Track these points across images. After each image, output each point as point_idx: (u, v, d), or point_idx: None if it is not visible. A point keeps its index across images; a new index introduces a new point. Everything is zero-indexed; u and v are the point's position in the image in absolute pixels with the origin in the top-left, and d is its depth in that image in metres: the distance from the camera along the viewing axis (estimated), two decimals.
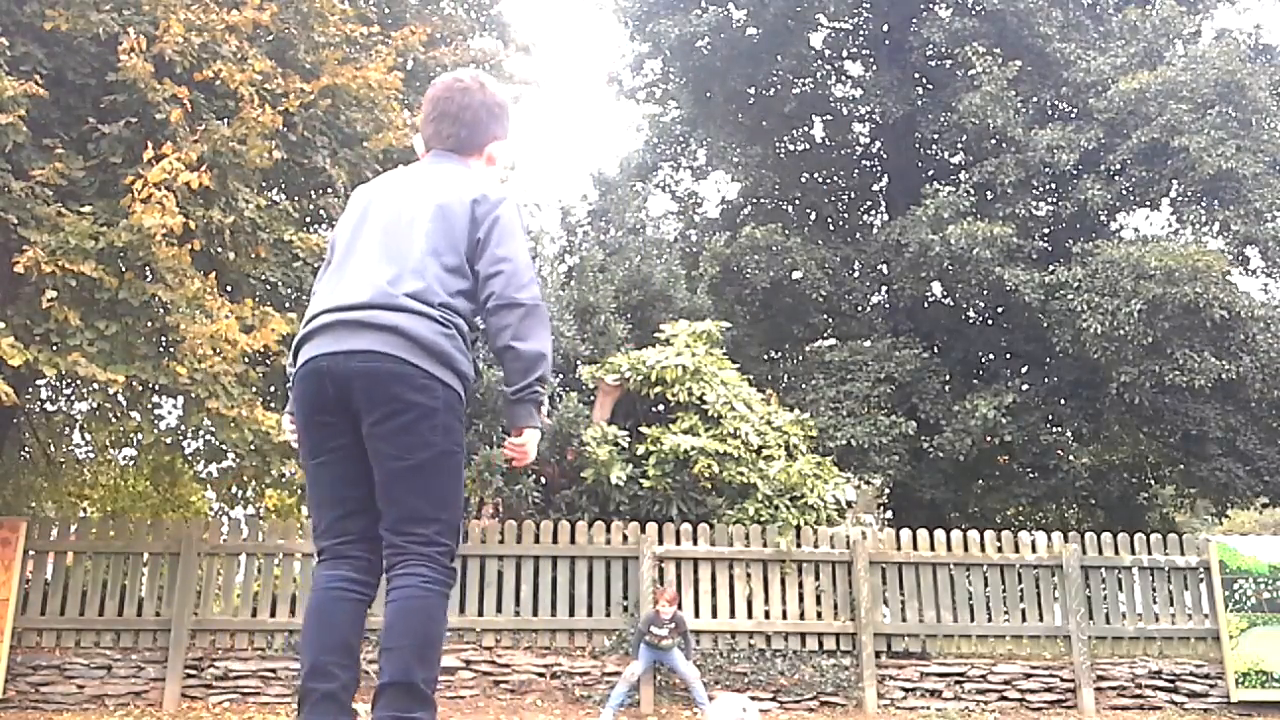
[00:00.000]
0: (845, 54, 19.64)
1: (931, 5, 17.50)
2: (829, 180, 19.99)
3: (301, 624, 2.50)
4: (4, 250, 7.63)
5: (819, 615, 9.30)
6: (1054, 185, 15.60)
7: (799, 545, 9.43)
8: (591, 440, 9.67)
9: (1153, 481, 16.62)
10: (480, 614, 8.88)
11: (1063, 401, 15.41)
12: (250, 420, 7.76)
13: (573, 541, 9.19)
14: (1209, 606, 9.76)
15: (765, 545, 9.36)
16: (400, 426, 2.37)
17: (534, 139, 41.67)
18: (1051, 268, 14.18)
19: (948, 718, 8.84)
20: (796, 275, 16.24)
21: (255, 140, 7.78)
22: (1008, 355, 16.81)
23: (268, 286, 9.49)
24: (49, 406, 12.62)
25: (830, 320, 18.09)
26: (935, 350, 16.49)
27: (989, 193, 15.31)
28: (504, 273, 2.45)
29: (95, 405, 9.69)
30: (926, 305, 17.39)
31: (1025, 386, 15.49)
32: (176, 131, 7.57)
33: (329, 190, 9.44)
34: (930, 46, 16.35)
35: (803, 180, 19.59)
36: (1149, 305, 12.63)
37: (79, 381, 10.71)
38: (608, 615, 9.05)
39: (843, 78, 19.81)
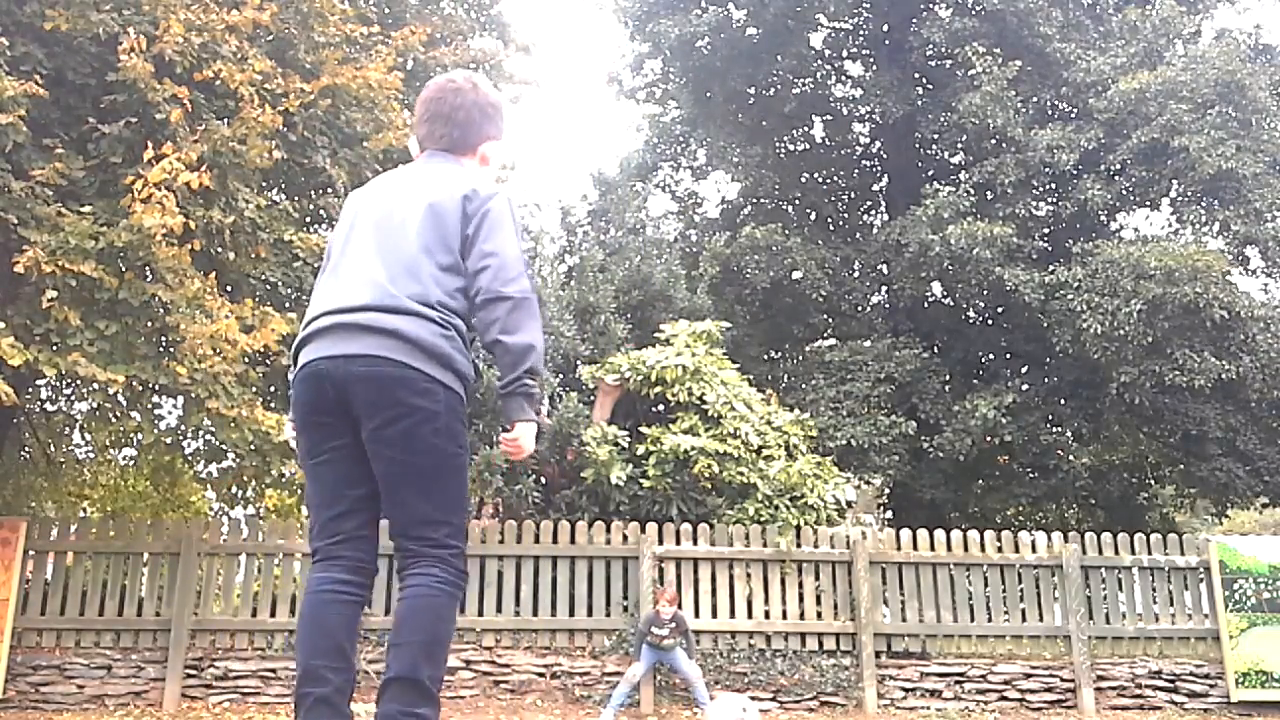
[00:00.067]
0: (845, 54, 19.64)
1: (931, 5, 17.50)
2: (829, 180, 19.99)
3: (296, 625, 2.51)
4: (4, 250, 7.63)
5: (819, 615, 9.30)
6: (1054, 185, 15.60)
7: (799, 545, 9.43)
8: (591, 440, 9.67)
9: (1153, 481, 16.62)
10: (480, 614, 8.88)
11: (1063, 401, 15.41)
12: (250, 420, 7.76)
13: (573, 541, 9.19)
14: (1209, 606, 9.76)
15: (765, 545, 9.36)
16: (403, 431, 2.37)
17: (534, 139, 41.70)
18: (1051, 268, 14.18)
19: (948, 718, 8.84)
20: (796, 275, 16.24)
21: (255, 140, 7.78)
22: (1008, 355, 16.82)
23: (268, 286, 9.49)
24: (49, 406, 12.62)
25: (830, 320, 18.09)
26: (935, 350, 16.49)
27: (989, 193, 15.31)
28: (490, 267, 2.44)
29: (95, 405, 9.69)
30: (926, 305, 17.39)
31: (1025, 386, 15.50)
32: (176, 131, 7.57)
33: (329, 190, 9.44)
34: (930, 46, 16.35)
35: (803, 180, 19.60)
36: (1149, 305, 12.63)
37: (79, 381, 10.71)
38: (608, 615, 9.05)
39: (843, 78, 19.82)
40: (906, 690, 9.11)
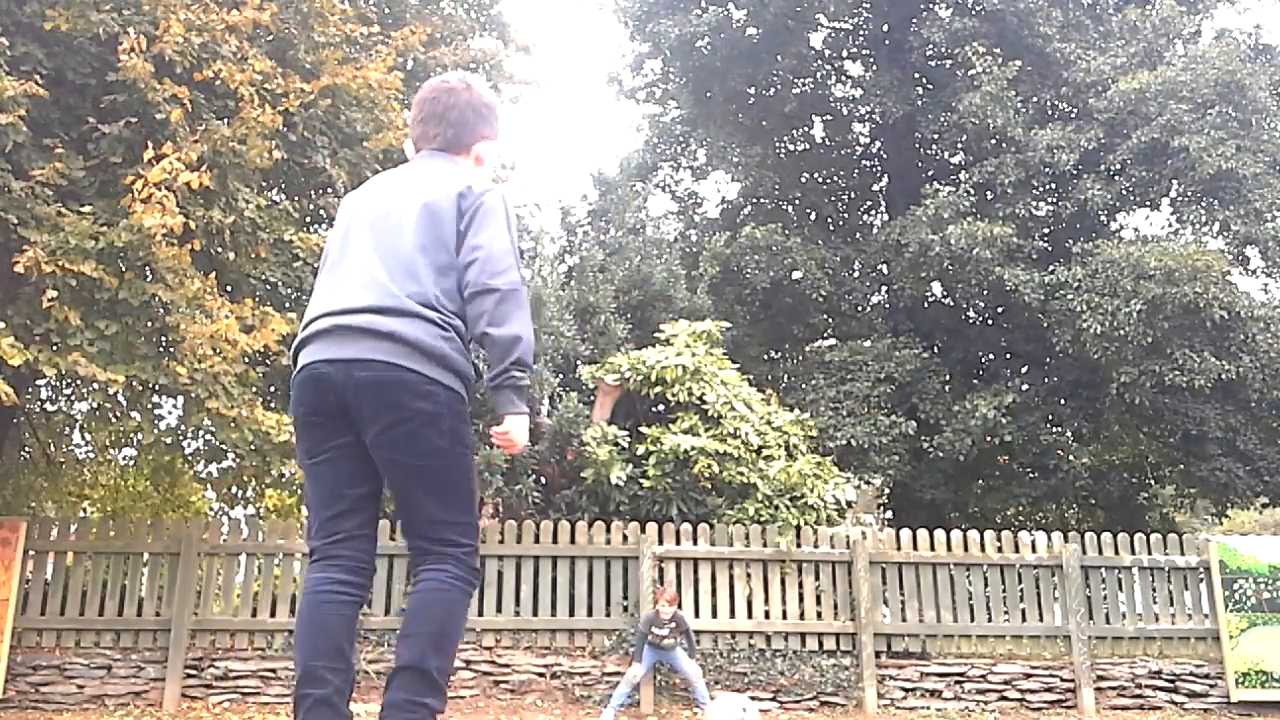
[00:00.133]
0: (845, 54, 19.64)
1: (931, 5, 17.50)
2: (829, 180, 19.99)
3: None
4: (4, 250, 7.63)
5: (819, 615, 9.30)
6: (1054, 185, 15.60)
7: (799, 545, 9.43)
8: (591, 440, 9.67)
9: (1153, 481, 16.62)
10: (480, 614, 8.87)
11: (1063, 401, 15.41)
12: (250, 420, 7.76)
13: (573, 541, 9.19)
14: (1209, 606, 9.76)
15: (765, 545, 9.36)
16: (407, 434, 2.39)
17: (534, 139, 41.69)
18: (1051, 268, 14.18)
19: (948, 718, 8.84)
20: (796, 275, 16.24)
21: (255, 140, 7.78)
22: (1008, 355, 16.82)
23: (268, 286, 9.49)
24: (49, 406, 12.62)
25: (830, 320, 18.09)
26: (935, 350, 16.49)
27: (989, 193, 15.32)
28: (478, 260, 2.44)
29: (95, 405, 9.69)
30: (926, 305, 17.39)
31: (1025, 386, 15.50)
32: (176, 131, 7.57)
33: (329, 190, 9.44)
34: (930, 46, 16.35)
35: (803, 180, 19.60)
36: (1149, 305, 12.63)
37: (79, 381, 10.71)
38: (608, 615, 9.05)
39: (843, 78, 19.82)
40: (906, 690, 9.11)
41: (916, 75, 17.87)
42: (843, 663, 9.11)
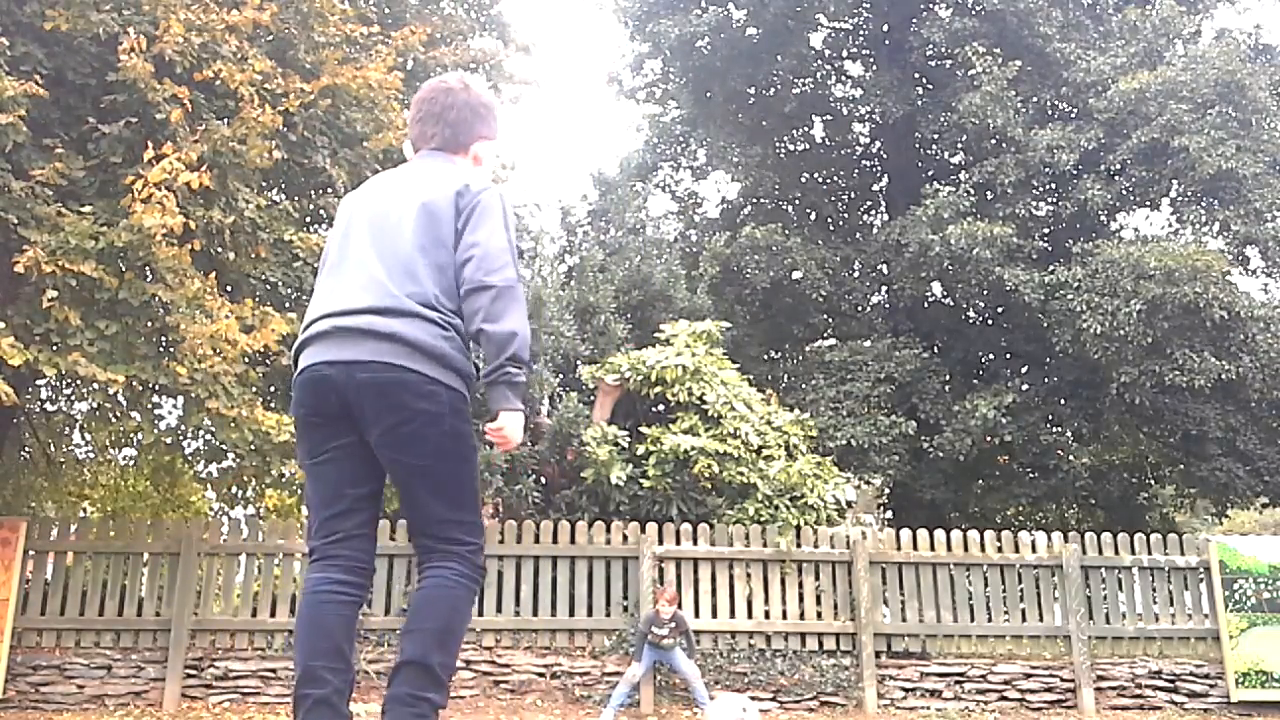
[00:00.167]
0: (845, 54, 19.64)
1: (931, 5, 17.50)
2: (829, 180, 20.00)
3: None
4: (4, 250, 7.63)
5: (819, 615, 9.30)
6: (1054, 185, 15.60)
7: (799, 545, 9.43)
8: (591, 440, 9.67)
9: (1153, 481, 16.62)
10: (480, 614, 8.87)
11: (1063, 401, 15.41)
12: (250, 420, 7.76)
13: (573, 541, 9.19)
14: (1209, 606, 9.76)
15: (765, 545, 9.36)
16: (410, 434, 2.40)
17: (534, 139, 41.69)
18: (1051, 268, 14.18)
19: (948, 718, 8.84)
20: (796, 275, 16.25)
21: (255, 140, 7.78)
22: (1008, 355, 16.82)
23: (268, 286, 9.49)
24: (49, 406, 12.61)
25: (830, 320, 18.10)
26: (935, 350, 16.50)
27: (989, 193, 15.32)
28: (474, 257, 2.44)
29: (95, 405, 9.69)
30: (926, 305, 17.39)
31: (1025, 386, 15.50)
32: (176, 131, 7.57)
33: (329, 190, 9.44)
34: (930, 46, 16.35)
35: (803, 180, 19.60)
36: (1149, 305, 12.63)
37: (79, 381, 10.71)
38: (608, 615, 9.05)
39: (843, 78, 19.82)
40: (906, 690, 9.11)
41: (916, 75, 17.87)
42: (843, 663, 9.11)
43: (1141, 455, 16.21)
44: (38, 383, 10.76)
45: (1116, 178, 14.86)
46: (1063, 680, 9.27)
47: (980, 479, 16.41)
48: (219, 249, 8.15)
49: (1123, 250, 13.29)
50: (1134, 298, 12.74)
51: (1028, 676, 9.28)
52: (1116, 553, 9.85)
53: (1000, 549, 9.75)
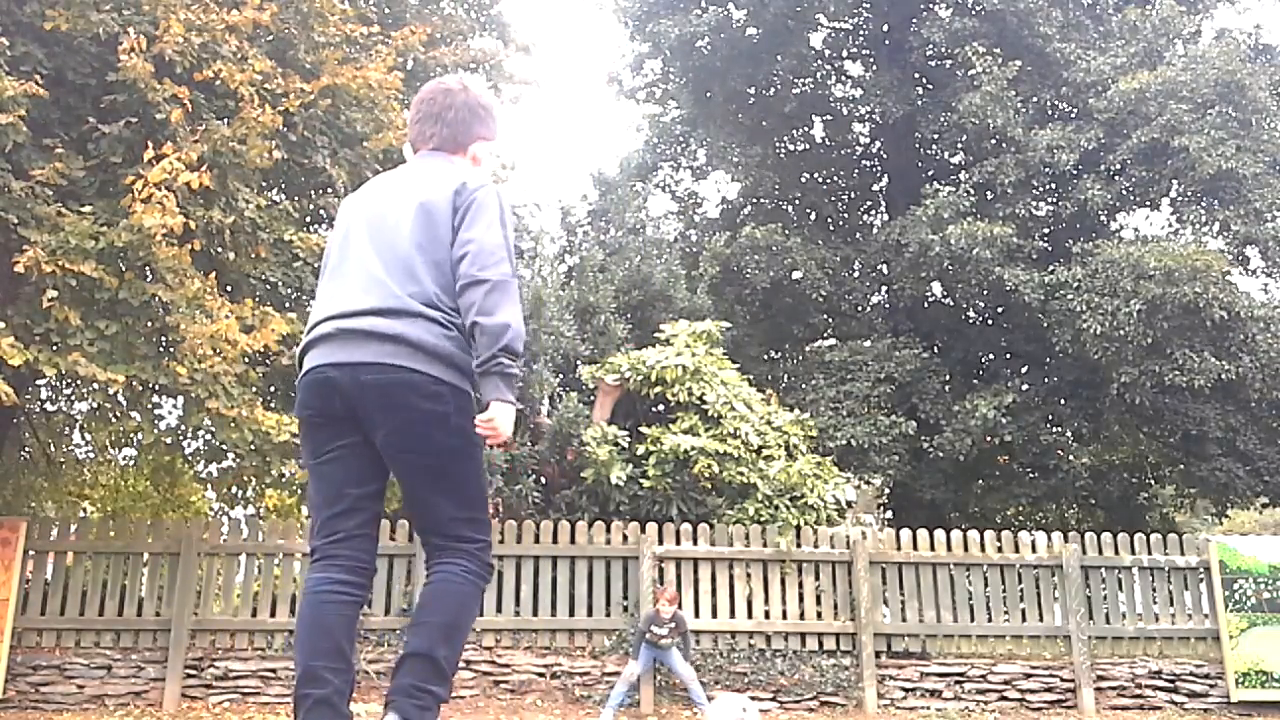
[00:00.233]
0: (845, 54, 19.64)
1: (931, 5, 17.51)
2: (829, 180, 20.00)
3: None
4: (4, 250, 7.63)
5: (819, 615, 9.30)
6: (1054, 185, 15.60)
7: (799, 545, 9.43)
8: (591, 440, 9.67)
9: (1153, 481, 16.62)
10: (480, 614, 8.83)
11: (1063, 401, 15.41)
12: (250, 420, 7.75)
13: (573, 541, 9.19)
14: (1209, 606, 9.76)
15: (765, 545, 9.36)
16: (416, 435, 2.41)
17: (534, 139, 41.68)
18: (1051, 268, 14.18)
19: (948, 718, 8.84)
20: (796, 275, 16.25)
21: (255, 140, 7.78)
22: (1008, 355, 16.82)
23: (268, 286, 9.49)
24: (49, 406, 12.61)
25: (830, 320, 18.10)
26: (935, 350, 16.50)
27: (989, 193, 15.32)
28: (469, 253, 2.45)
29: (95, 405, 9.68)
30: (926, 305, 17.39)
31: (1025, 386, 15.50)
32: (176, 131, 7.57)
33: (329, 190, 9.43)
34: (930, 46, 16.35)
35: (803, 180, 19.60)
36: (1149, 305, 12.63)
37: (79, 381, 10.71)
38: (608, 615, 9.05)
39: (843, 78, 19.82)
40: (906, 690, 9.12)
41: (916, 75, 17.87)
42: (843, 663, 9.11)
43: (1141, 455, 16.21)
44: (38, 383, 10.76)
45: (1116, 178, 14.86)
46: (1063, 680, 9.28)
47: (980, 479, 16.41)
48: (219, 249, 8.14)
49: (1123, 250, 13.29)
50: (1134, 298, 12.74)
51: (1028, 676, 9.28)
52: (1116, 553, 9.85)
53: (1000, 549, 9.75)
